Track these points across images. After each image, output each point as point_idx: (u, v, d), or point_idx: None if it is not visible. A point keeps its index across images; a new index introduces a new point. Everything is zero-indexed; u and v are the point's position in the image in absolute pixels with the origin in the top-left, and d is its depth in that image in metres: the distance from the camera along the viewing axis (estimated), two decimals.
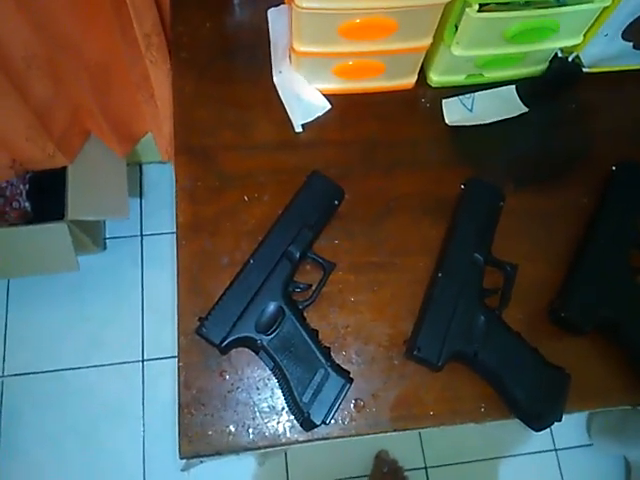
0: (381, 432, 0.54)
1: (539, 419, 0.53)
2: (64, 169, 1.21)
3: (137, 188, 1.56)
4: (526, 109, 0.68)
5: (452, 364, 0.55)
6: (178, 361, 0.55)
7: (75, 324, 1.42)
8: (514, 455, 1.36)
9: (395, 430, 0.54)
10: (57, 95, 1.02)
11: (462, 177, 0.63)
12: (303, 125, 0.65)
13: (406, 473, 1.35)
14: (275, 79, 0.66)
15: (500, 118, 0.67)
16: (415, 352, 0.54)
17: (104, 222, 1.52)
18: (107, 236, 1.52)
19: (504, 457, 1.38)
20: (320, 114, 0.66)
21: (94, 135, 1.21)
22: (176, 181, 0.61)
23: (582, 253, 0.60)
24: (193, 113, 0.65)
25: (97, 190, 1.28)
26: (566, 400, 0.53)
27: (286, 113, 0.65)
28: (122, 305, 1.46)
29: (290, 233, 0.57)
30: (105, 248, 1.50)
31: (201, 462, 0.53)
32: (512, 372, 0.54)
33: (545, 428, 0.52)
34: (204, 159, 0.63)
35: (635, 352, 0.57)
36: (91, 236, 1.39)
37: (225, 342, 0.52)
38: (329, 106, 0.66)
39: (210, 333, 0.52)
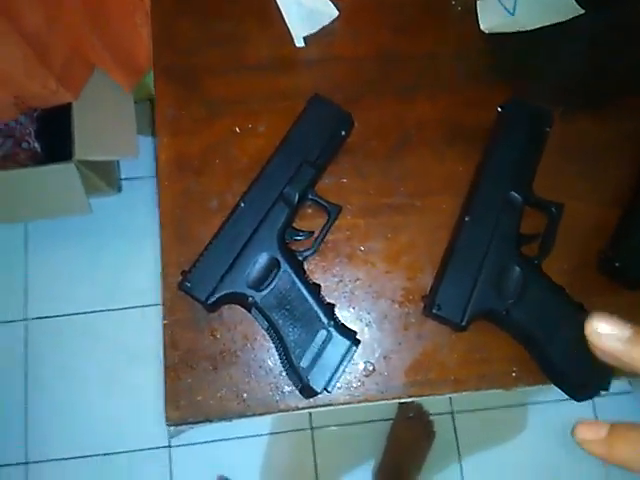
0: (393, 399, 0.47)
1: (582, 388, 0.44)
2: (69, 106, 1.14)
3: (149, 126, 1.48)
4: (582, 11, 0.54)
5: (479, 322, 0.47)
6: (163, 318, 0.48)
7: (94, 267, 1.40)
8: (545, 401, 1.31)
9: (410, 397, 0.47)
10: (51, 24, 0.94)
11: (499, 98, 0.51)
12: (305, 38, 0.54)
13: (432, 417, 1.32)
14: None
15: (549, 23, 0.54)
16: (435, 310, 0.45)
17: (117, 163, 1.46)
18: (122, 177, 1.47)
19: (534, 404, 1.33)
20: (326, 23, 0.54)
21: (98, 70, 1.12)
22: (157, 110, 0.52)
23: None
24: (174, 28, 0.54)
25: (104, 129, 1.22)
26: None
27: (285, 24, 0.54)
28: (140, 248, 1.42)
29: (287, 171, 0.48)
30: (120, 190, 1.45)
31: (192, 428, 0.48)
32: (552, 334, 0.45)
33: (589, 398, 0.44)
34: (188, 83, 0.53)
35: None
36: (104, 178, 1.34)
37: (212, 299, 0.45)
38: (337, 13, 0.54)
39: (194, 289, 0.45)
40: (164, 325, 0.48)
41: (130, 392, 1.30)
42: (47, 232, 1.42)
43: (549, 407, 1.31)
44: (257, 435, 1.31)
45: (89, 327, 1.35)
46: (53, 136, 1.20)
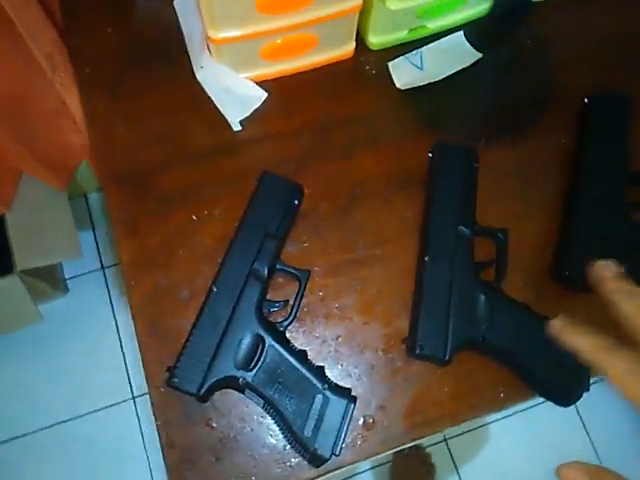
0: (398, 446, 0.48)
1: (566, 394, 0.48)
2: (2, 217, 1.10)
3: (87, 220, 1.46)
4: (480, 55, 0.62)
5: (460, 353, 0.49)
6: (155, 419, 0.47)
7: (55, 376, 1.33)
8: (531, 407, 1.34)
9: (413, 440, 0.49)
10: None
11: (428, 143, 0.56)
12: (241, 122, 0.57)
13: (428, 450, 1.32)
14: (198, 76, 0.58)
15: (454, 70, 0.61)
16: (418, 350, 0.48)
17: (60, 263, 1.41)
18: (67, 277, 1.42)
19: (519, 412, 1.36)
20: (258, 105, 0.58)
21: (26, 174, 1.10)
22: (110, 216, 0.53)
23: (574, 200, 0.55)
24: (112, 135, 0.56)
25: (43, 233, 1.18)
26: None
27: (219, 112, 0.57)
28: (100, 345, 1.37)
29: (252, 247, 0.50)
30: (67, 290, 1.40)
31: None
32: (527, 349, 0.48)
33: (575, 402, 0.47)
34: (137, 183, 0.55)
35: None
36: (48, 281, 1.29)
37: (203, 389, 0.45)
38: (265, 95, 0.58)
39: (183, 382, 0.45)
40: (157, 426, 0.47)
41: None
42: None
43: (535, 411, 1.35)
44: None
45: (63, 438, 1.27)
46: None
